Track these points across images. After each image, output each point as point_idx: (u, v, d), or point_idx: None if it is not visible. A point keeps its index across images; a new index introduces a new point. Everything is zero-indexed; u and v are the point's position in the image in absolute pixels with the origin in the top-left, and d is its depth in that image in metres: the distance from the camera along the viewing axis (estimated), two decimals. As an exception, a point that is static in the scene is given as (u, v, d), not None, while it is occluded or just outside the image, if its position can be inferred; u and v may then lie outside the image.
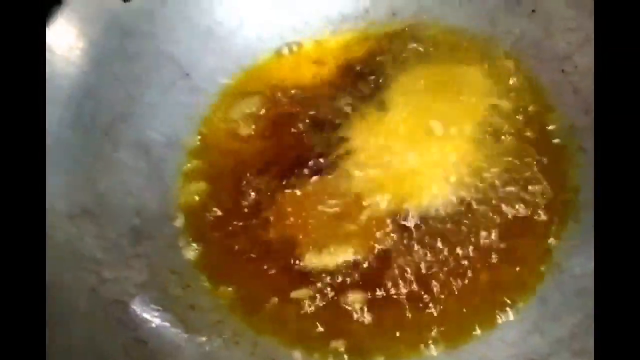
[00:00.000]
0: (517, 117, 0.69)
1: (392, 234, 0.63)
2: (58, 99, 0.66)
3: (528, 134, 0.68)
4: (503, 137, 0.68)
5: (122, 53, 0.72)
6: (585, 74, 0.69)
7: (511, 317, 0.58)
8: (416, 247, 0.62)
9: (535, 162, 0.66)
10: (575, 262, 0.60)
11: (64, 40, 0.68)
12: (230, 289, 0.63)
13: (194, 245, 0.67)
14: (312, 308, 0.61)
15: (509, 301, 0.59)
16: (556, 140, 0.67)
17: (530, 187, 0.64)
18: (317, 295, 0.61)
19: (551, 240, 0.62)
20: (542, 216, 0.63)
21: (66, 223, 0.62)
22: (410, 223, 0.63)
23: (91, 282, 0.59)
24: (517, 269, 0.60)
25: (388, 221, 0.64)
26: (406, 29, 0.79)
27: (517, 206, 0.63)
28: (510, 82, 0.72)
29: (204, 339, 0.59)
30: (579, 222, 0.62)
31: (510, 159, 0.66)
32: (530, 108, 0.70)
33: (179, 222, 0.69)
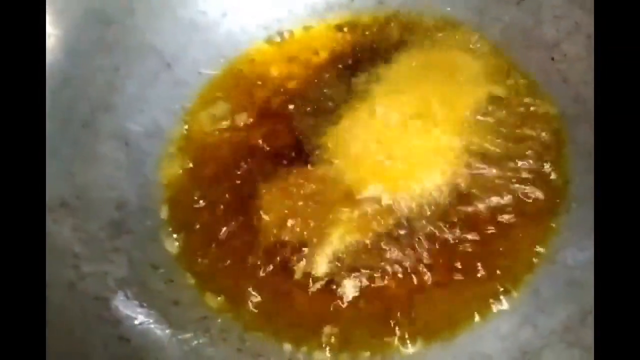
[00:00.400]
0: (509, 104, 0.68)
1: (385, 224, 0.62)
2: (34, 88, 0.63)
3: (519, 122, 0.67)
4: (495, 124, 0.67)
5: (101, 42, 0.70)
6: (574, 62, 0.68)
7: (503, 308, 0.57)
8: (410, 237, 0.61)
9: (527, 152, 0.65)
10: (567, 253, 0.59)
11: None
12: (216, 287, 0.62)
13: (176, 237, 0.65)
14: (302, 298, 0.59)
15: (501, 292, 0.58)
16: (546, 129, 0.66)
17: (522, 177, 0.63)
18: (307, 283, 0.60)
19: (542, 231, 0.60)
20: (534, 206, 0.62)
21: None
22: (404, 213, 0.62)
23: (69, 276, 0.58)
24: (509, 259, 0.59)
25: (381, 211, 0.62)
26: (393, 17, 0.78)
27: (509, 196, 0.62)
28: (500, 69, 0.71)
29: (188, 335, 0.58)
30: (570, 212, 0.61)
31: (502, 147, 0.65)
32: (521, 96, 0.69)
33: (160, 215, 0.67)
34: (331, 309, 0.59)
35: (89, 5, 0.69)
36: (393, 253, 0.60)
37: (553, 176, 0.63)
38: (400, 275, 0.59)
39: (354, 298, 0.59)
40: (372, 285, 0.59)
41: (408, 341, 0.57)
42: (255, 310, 0.60)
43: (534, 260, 0.59)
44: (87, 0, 0.69)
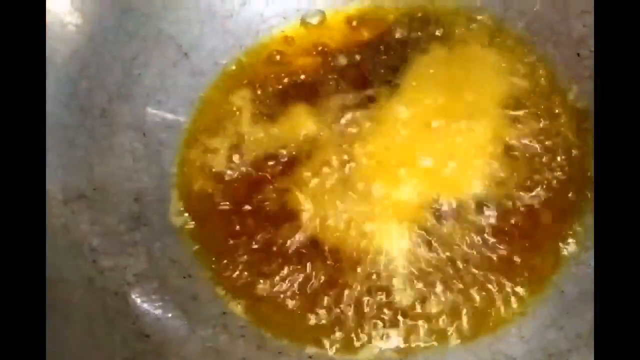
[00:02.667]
0: (535, 100, 0.67)
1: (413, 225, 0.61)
2: (52, 77, 0.63)
3: (546, 119, 0.66)
4: (522, 121, 0.66)
5: (119, 31, 0.69)
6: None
7: (528, 310, 0.56)
8: (437, 239, 0.60)
9: (554, 149, 0.64)
10: (592, 253, 0.58)
11: (58, 16, 0.64)
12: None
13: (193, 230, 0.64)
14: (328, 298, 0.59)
15: (524, 293, 0.57)
16: (573, 126, 0.65)
17: (549, 175, 0.62)
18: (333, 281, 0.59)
19: (568, 231, 0.59)
20: (560, 205, 0.61)
21: (61, 208, 0.59)
22: (434, 213, 0.61)
23: (88, 271, 0.57)
24: (534, 259, 0.58)
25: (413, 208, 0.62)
26: (415, 9, 0.76)
27: (535, 194, 0.61)
28: (526, 65, 0.70)
29: (208, 331, 0.57)
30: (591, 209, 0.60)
31: (529, 143, 0.64)
32: (547, 92, 0.67)
33: (178, 207, 0.66)
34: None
35: (108, -7, 0.68)
36: (423, 253, 0.59)
37: (580, 173, 0.62)
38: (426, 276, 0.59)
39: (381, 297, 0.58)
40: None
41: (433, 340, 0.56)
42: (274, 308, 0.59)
43: (560, 260, 0.58)
44: (106, -11, 0.68)
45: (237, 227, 0.64)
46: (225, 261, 0.62)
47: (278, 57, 0.75)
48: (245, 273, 0.61)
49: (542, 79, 0.68)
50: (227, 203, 0.65)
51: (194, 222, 0.65)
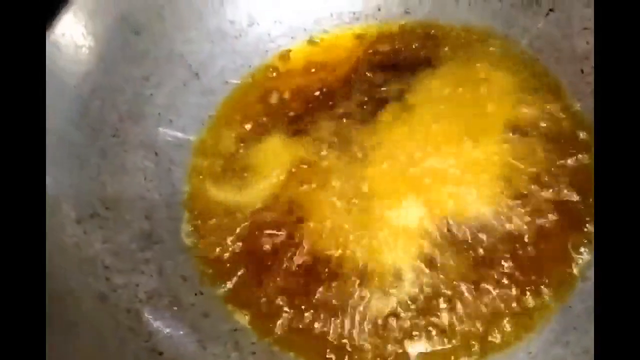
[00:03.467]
0: (543, 117, 0.67)
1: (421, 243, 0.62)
2: (64, 97, 0.64)
3: (553, 135, 0.66)
4: (531, 138, 0.66)
5: (130, 52, 0.70)
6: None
7: (534, 325, 0.56)
8: (443, 254, 0.61)
9: (560, 166, 0.64)
10: (599, 269, 0.58)
11: (71, 38, 0.66)
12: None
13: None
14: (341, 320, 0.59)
15: (533, 308, 0.57)
16: (579, 143, 0.66)
17: (555, 193, 0.63)
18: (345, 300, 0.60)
19: (574, 247, 0.60)
20: (566, 222, 0.61)
21: (74, 227, 0.60)
22: (442, 229, 0.62)
23: (101, 288, 0.58)
24: (540, 276, 0.59)
25: (420, 229, 0.62)
26: (419, 27, 0.77)
27: (542, 213, 0.62)
28: (531, 82, 0.70)
29: (219, 348, 0.58)
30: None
31: (538, 162, 0.65)
32: (553, 109, 0.68)
33: (189, 226, 0.67)
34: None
35: (119, 14, 0.69)
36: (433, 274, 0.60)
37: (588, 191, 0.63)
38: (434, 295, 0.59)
39: (388, 316, 0.59)
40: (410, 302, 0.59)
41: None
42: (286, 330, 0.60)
43: (566, 276, 0.58)
44: (117, 10, 0.69)
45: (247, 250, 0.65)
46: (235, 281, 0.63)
47: (285, 75, 0.76)
48: (260, 296, 0.62)
49: (549, 97, 0.69)
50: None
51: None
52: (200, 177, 0.70)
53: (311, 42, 0.79)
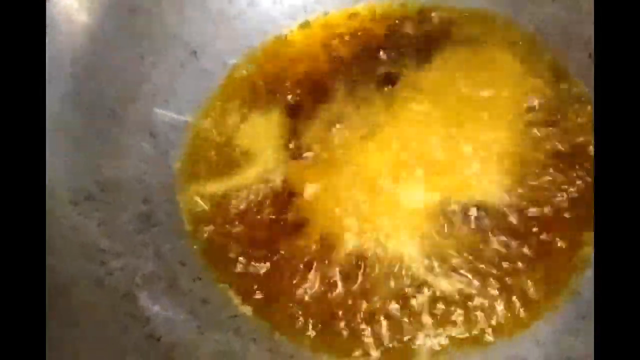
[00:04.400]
0: (550, 102, 0.66)
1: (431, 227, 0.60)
2: (59, 76, 0.62)
3: (562, 121, 0.65)
4: (539, 123, 0.65)
5: (127, 31, 0.68)
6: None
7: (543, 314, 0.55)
8: (459, 240, 0.60)
9: (569, 152, 0.63)
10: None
11: (65, 13, 0.64)
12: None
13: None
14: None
15: (540, 297, 0.56)
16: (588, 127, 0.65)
17: (565, 180, 0.62)
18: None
19: (584, 235, 0.59)
20: (577, 209, 0.60)
21: (70, 210, 0.59)
22: (449, 214, 0.61)
23: (97, 273, 0.56)
24: (549, 264, 0.58)
25: (425, 213, 0.61)
26: (425, 11, 0.76)
27: (552, 199, 0.60)
28: (539, 67, 0.69)
29: (219, 335, 0.57)
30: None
31: (547, 148, 0.63)
32: (561, 94, 0.67)
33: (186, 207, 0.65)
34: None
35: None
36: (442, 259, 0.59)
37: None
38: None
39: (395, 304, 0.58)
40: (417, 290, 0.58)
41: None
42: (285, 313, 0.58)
43: (576, 264, 0.57)
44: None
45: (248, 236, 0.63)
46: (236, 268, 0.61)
47: (286, 56, 0.75)
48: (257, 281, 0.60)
49: (556, 82, 0.68)
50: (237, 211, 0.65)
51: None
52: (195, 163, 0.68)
53: (311, 22, 0.77)
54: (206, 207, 0.65)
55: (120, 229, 0.60)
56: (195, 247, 0.63)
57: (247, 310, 0.59)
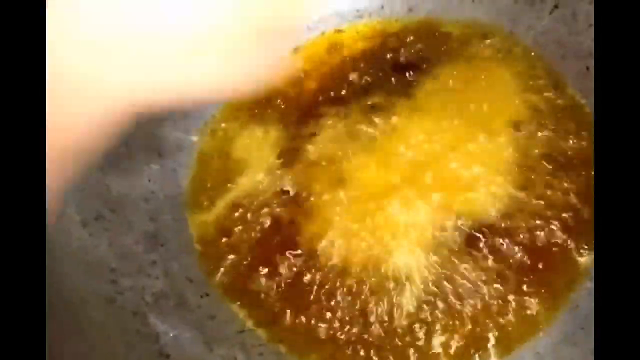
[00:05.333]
0: (548, 115, 0.67)
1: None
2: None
3: (560, 133, 0.66)
4: (537, 135, 0.66)
5: (134, 53, 0.69)
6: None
7: (543, 326, 0.56)
8: (453, 257, 0.60)
9: (565, 164, 0.64)
10: (606, 268, 0.58)
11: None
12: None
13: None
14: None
15: (543, 310, 0.57)
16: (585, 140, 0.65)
17: (557, 191, 0.63)
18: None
19: (581, 245, 0.60)
20: (576, 220, 0.61)
21: (79, 230, 0.60)
22: (445, 227, 0.62)
23: (108, 292, 0.58)
24: (549, 276, 0.59)
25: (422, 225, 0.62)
26: (423, 25, 0.77)
27: (548, 212, 0.61)
28: (537, 79, 0.70)
29: (226, 350, 0.58)
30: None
31: (544, 160, 0.64)
32: (559, 106, 0.68)
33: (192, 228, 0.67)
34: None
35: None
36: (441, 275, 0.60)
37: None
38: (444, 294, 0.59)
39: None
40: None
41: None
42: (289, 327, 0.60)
43: (575, 276, 0.58)
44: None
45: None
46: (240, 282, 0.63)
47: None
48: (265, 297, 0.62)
49: (554, 95, 0.69)
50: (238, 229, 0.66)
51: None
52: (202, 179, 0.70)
53: (312, 42, 0.79)
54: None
55: (129, 248, 0.62)
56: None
57: (253, 324, 0.60)
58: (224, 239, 0.65)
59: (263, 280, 0.62)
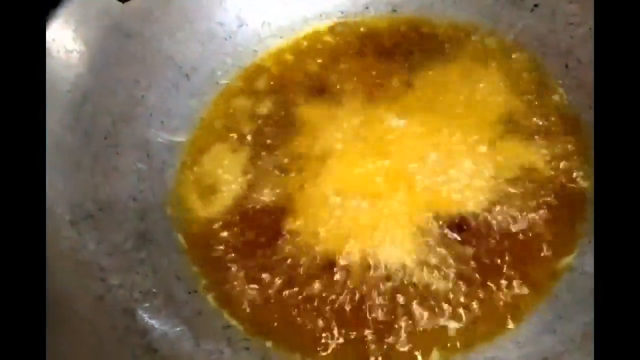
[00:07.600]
0: (531, 112, 0.69)
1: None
2: (57, 102, 0.65)
3: (542, 130, 0.68)
4: (521, 133, 0.68)
5: (121, 55, 0.71)
6: (589, 69, 0.68)
7: (523, 316, 0.58)
8: (438, 248, 0.62)
9: (550, 160, 0.66)
10: (586, 260, 0.59)
11: (62, 43, 0.66)
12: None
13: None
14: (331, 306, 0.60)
15: (520, 300, 0.58)
16: (569, 135, 0.67)
17: (548, 184, 0.64)
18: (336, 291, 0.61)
19: (566, 238, 0.61)
20: (558, 213, 0.62)
21: (69, 230, 0.61)
22: (431, 223, 0.63)
23: (98, 290, 0.59)
24: (530, 268, 0.60)
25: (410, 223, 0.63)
26: (407, 24, 0.78)
27: (530, 208, 0.63)
28: (520, 77, 0.72)
29: (212, 345, 0.59)
30: (589, 220, 0.62)
31: (529, 156, 0.66)
32: (541, 103, 0.69)
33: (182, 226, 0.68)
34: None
35: (109, 19, 0.70)
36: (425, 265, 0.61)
37: (578, 182, 0.64)
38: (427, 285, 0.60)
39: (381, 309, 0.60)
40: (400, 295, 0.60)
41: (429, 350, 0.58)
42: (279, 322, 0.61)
43: (555, 269, 0.60)
44: (107, 15, 0.70)
45: (237, 246, 0.66)
46: (224, 275, 0.64)
47: (276, 75, 0.77)
48: (248, 289, 0.63)
49: (537, 91, 0.71)
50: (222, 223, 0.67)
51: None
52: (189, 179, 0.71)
53: (297, 43, 0.80)
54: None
55: (118, 247, 0.63)
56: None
57: (238, 320, 0.61)
58: (211, 237, 0.66)
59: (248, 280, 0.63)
